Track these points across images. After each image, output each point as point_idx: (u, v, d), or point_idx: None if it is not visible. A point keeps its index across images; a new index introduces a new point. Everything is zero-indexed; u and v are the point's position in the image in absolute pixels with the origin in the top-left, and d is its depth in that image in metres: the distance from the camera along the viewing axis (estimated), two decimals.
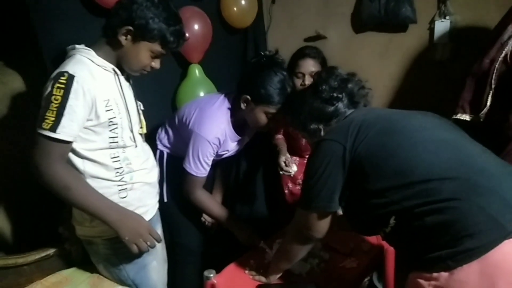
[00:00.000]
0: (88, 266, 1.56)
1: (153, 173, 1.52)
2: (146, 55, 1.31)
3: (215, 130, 1.60)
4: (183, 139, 1.72)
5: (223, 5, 2.25)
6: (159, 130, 1.87)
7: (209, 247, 1.97)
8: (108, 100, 1.29)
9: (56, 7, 1.56)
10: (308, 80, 1.94)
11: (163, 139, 1.82)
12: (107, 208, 1.28)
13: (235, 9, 2.25)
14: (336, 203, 1.18)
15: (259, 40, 2.57)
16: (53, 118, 1.16)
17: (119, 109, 1.32)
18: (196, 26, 2.02)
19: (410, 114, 1.22)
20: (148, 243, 1.35)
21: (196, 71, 2.15)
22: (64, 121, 1.16)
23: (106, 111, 1.28)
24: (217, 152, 1.68)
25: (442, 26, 2.09)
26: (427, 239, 1.00)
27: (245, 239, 1.74)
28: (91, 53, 1.28)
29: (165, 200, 1.76)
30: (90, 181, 1.29)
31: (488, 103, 1.50)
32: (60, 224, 1.59)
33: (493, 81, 1.48)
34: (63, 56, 1.31)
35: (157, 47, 1.31)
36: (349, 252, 1.64)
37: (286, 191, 2.25)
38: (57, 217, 1.62)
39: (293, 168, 1.95)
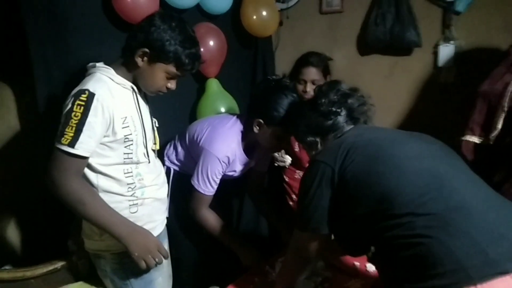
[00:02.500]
0: (94, 280, 1.56)
1: (163, 189, 1.54)
2: (161, 76, 1.35)
3: (225, 148, 1.63)
4: (191, 156, 1.74)
5: (243, 14, 2.25)
6: (167, 146, 1.88)
7: (213, 264, 1.96)
8: (126, 117, 1.32)
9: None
10: (310, 87, 1.99)
11: (171, 155, 1.84)
12: (118, 223, 1.29)
13: (254, 17, 2.23)
14: (330, 224, 1.18)
15: (267, 60, 2.62)
16: (72, 134, 1.18)
17: (135, 126, 1.35)
18: (211, 42, 2.08)
19: (403, 139, 1.18)
20: (157, 259, 1.35)
21: (214, 85, 2.17)
22: (82, 137, 1.19)
23: (123, 128, 1.31)
24: (224, 171, 1.70)
25: (446, 50, 2.14)
26: (402, 270, 1.01)
27: (249, 263, 1.74)
28: (110, 71, 1.32)
29: (167, 215, 1.76)
30: (102, 195, 1.31)
31: (499, 126, 1.51)
32: (69, 238, 1.60)
33: (505, 104, 1.49)
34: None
35: (172, 69, 1.34)
36: (354, 272, 1.63)
37: (291, 203, 2.24)
38: (66, 230, 1.63)
39: (287, 159, 1.96)
